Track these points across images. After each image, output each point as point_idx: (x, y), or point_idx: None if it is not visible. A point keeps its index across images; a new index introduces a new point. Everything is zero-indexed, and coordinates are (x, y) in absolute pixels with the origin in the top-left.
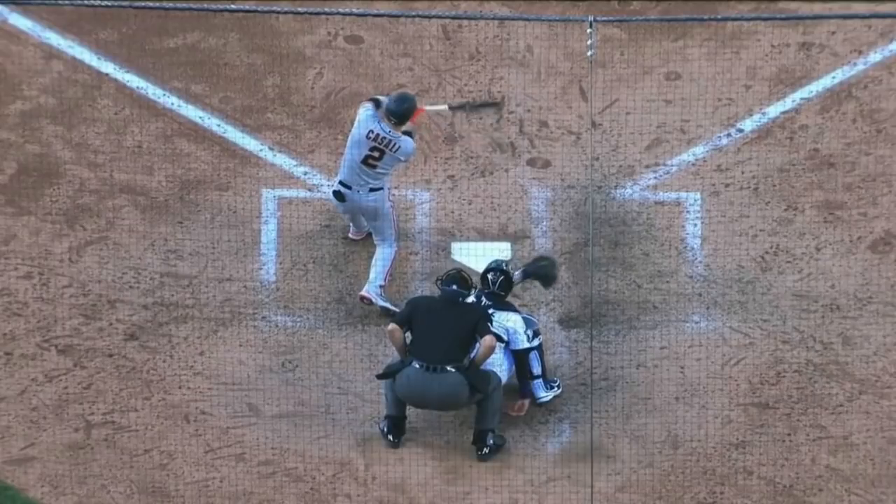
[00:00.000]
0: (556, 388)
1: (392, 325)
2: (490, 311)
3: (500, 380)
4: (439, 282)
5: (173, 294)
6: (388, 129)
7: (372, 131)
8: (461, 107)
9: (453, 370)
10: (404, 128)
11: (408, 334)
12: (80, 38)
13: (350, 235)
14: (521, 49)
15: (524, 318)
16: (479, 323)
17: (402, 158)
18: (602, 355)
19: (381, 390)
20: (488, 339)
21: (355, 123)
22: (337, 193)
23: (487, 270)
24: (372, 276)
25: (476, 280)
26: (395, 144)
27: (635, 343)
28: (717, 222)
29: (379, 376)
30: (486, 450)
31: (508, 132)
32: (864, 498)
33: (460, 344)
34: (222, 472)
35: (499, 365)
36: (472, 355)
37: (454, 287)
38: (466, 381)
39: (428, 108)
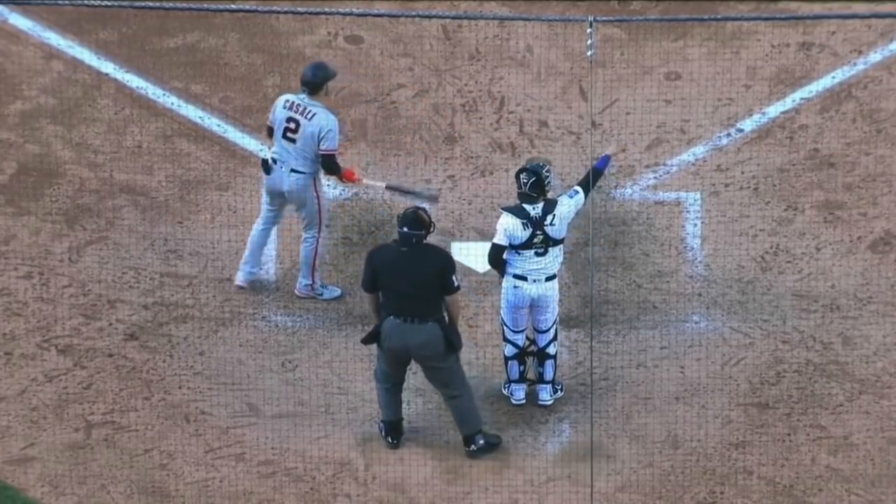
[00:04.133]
0: (559, 392)
1: (367, 295)
2: (547, 217)
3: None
4: (397, 219)
5: (173, 294)
6: (302, 97)
7: (288, 100)
8: (398, 188)
9: (431, 322)
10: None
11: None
12: (80, 38)
13: (238, 282)
14: (521, 49)
15: (568, 196)
16: (443, 275)
17: (320, 133)
18: (602, 355)
19: (377, 392)
20: (451, 298)
21: (275, 103)
22: (264, 162)
23: (521, 170)
24: (300, 275)
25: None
26: (308, 111)
27: (635, 343)
28: (717, 222)
29: (363, 340)
30: (474, 447)
31: (508, 132)
32: (864, 498)
33: (429, 293)
34: (222, 472)
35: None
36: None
37: (405, 229)
38: (443, 335)
39: (365, 181)
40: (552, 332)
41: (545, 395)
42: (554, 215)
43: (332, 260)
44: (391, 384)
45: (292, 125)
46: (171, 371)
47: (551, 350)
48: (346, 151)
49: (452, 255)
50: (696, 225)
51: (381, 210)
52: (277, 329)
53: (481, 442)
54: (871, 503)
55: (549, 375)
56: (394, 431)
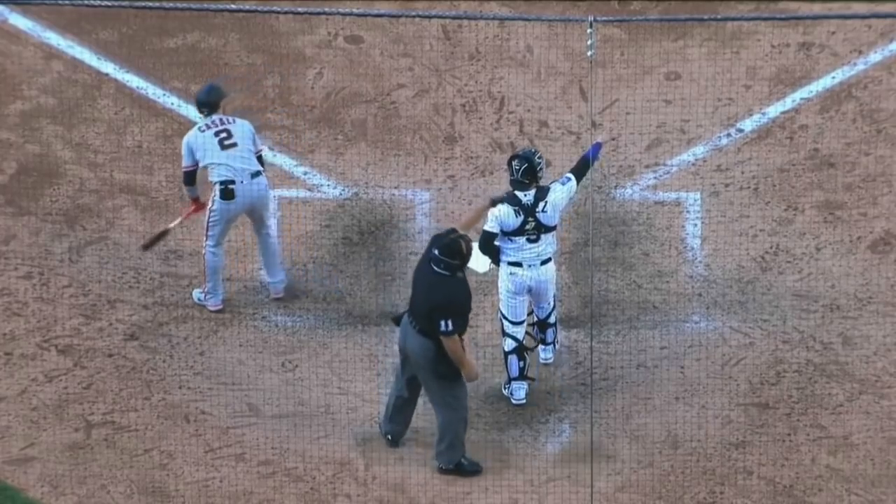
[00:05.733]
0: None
1: None
2: (539, 203)
3: (463, 418)
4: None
5: (173, 294)
6: (210, 117)
7: (201, 126)
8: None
9: (431, 339)
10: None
11: None
12: (80, 38)
13: (216, 308)
14: (521, 49)
15: (560, 183)
16: (434, 314)
17: (250, 129)
18: (602, 355)
19: (382, 395)
20: (444, 340)
21: (187, 145)
22: (226, 191)
23: (513, 157)
24: (275, 276)
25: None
26: (228, 118)
27: (635, 343)
28: (717, 222)
29: (393, 319)
30: (442, 465)
31: (508, 132)
32: (864, 498)
33: (427, 315)
34: (222, 472)
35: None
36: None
37: (435, 251)
38: (434, 356)
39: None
40: (552, 304)
41: (547, 353)
42: (546, 202)
43: (332, 260)
44: (399, 394)
45: (224, 134)
46: (171, 371)
47: (552, 319)
48: (347, 151)
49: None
50: (696, 225)
51: (381, 210)
52: (277, 329)
53: (451, 464)
54: (871, 503)
55: (550, 338)
56: (394, 437)
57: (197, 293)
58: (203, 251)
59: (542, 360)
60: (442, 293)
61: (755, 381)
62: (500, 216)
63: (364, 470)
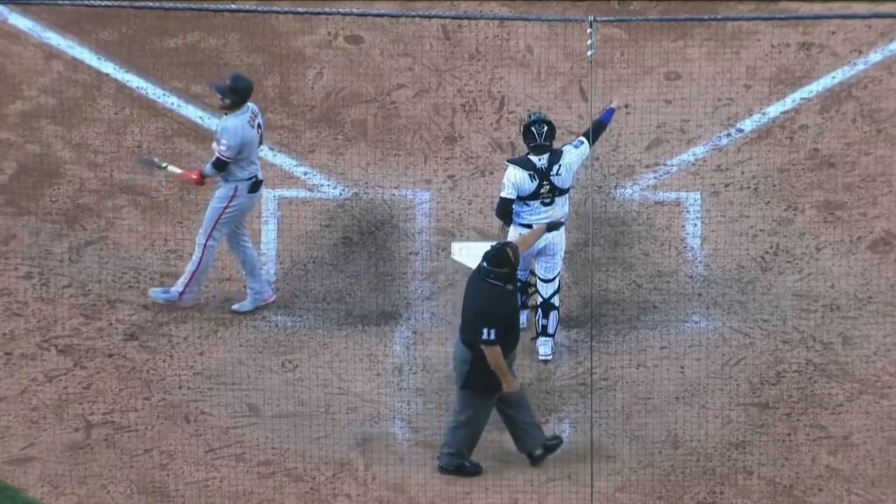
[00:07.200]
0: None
1: None
2: (553, 167)
3: (476, 433)
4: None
5: None
6: (249, 107)
7: (249, 120)
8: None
9: (468, 348)
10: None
11: None
12: (80, 38)
13: (183, 304)
14: (521, 49)
15: (573, 146)
16: (475, 321)
17: (261, 121)
18: (602, 355)
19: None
20: (483, 349)
21: (240, 137)
22: (255, 184)
23: (531, 123)
24: (261, 282)
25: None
26: (258, 112)
27: (635, 343)
28: (717, 222)
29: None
30: (441, 464)
31: (508, 132)
32: (864, 498)
33: (471, 323)
34: (222, 472)
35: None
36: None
37: (484, 263)
38: (469, 366)
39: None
40: (556, 282)
41: (546, 349)
42: (560, 165)
43: (332, 259)
44: (502, 417)
45: (260, 131)
46: (171, 371)
47: (556, 301)
48: (347, 151)
49: (452, 255)
50: (696, 225)
51: (381, 210)
52: (277, 329)
53: (451, 467)
54: (871, 503)
55: (552, 328)
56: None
57: (157, 292)
58: (203, 245)
59: (540, 357)
60: (487, 300)
61: (755, 381)
62: (517, 182)
63: (364, 470)
